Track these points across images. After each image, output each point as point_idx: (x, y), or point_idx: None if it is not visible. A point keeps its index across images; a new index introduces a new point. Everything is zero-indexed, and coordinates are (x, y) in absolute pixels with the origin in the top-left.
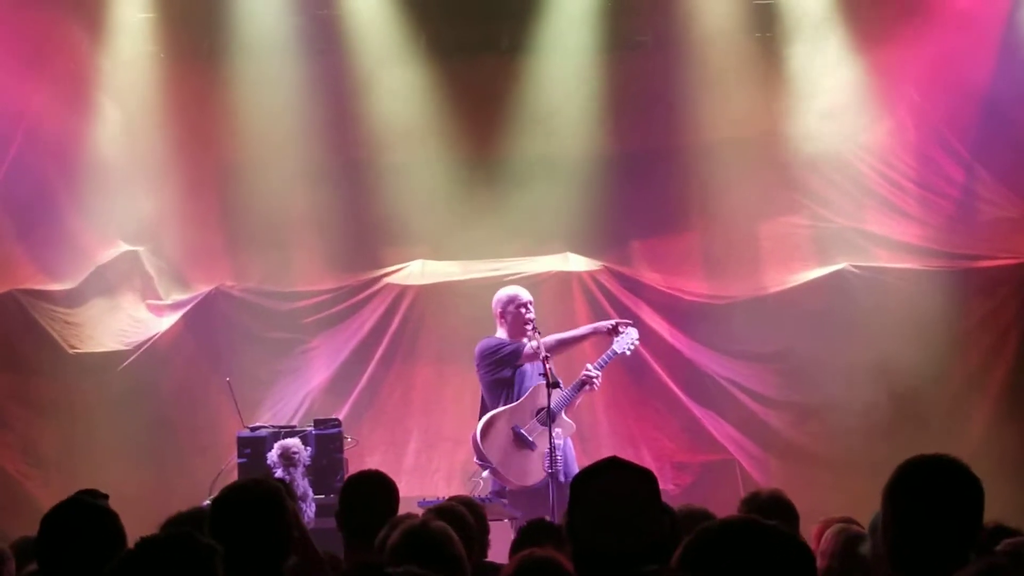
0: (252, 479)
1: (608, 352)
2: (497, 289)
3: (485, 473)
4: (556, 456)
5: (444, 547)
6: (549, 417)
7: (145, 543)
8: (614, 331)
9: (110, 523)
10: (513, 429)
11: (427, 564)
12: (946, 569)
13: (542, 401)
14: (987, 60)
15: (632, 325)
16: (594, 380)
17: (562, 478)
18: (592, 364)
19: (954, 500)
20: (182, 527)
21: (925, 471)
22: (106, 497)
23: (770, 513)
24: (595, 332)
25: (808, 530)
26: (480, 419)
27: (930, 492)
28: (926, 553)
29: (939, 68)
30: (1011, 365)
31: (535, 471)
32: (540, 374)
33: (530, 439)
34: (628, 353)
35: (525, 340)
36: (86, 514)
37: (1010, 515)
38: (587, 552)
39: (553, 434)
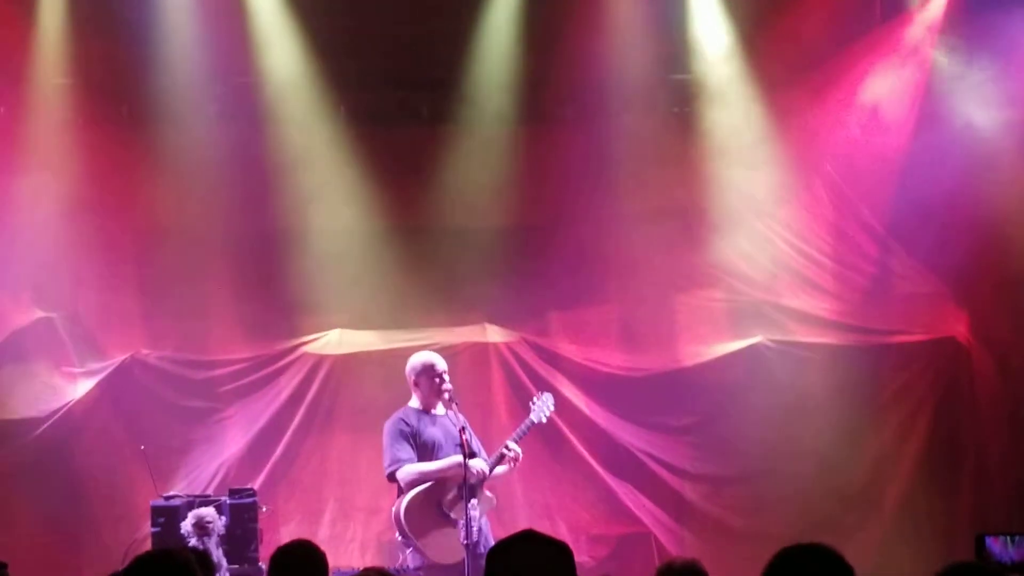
0: (162, 549)
1: (524, 423)
2: None
3: (409, 550)
4: (472, 528)
5: None
6: (467, 490)
7: None
8: (468, 451)
9: None
10: (435, 506)
11: None
12: None
13: (459, 478)
14: (902, 135)
15: (546, 392)
16: (512, 457)
17: (481, 549)
18: (510, 440)
19: None
20: None
21: (799, 559)
22: (5, 566)
23: None
24: (458, 467)
25: None
26: (399, 494)
27: None
28: None
29: (854, 143)
30: (925, 439)
31: (458, 548)
32: (456, 445)
33: (451, 515)
34: (544, 421)
35: (403, 458)
36: None
37: None
38: None
39: (469, 505)
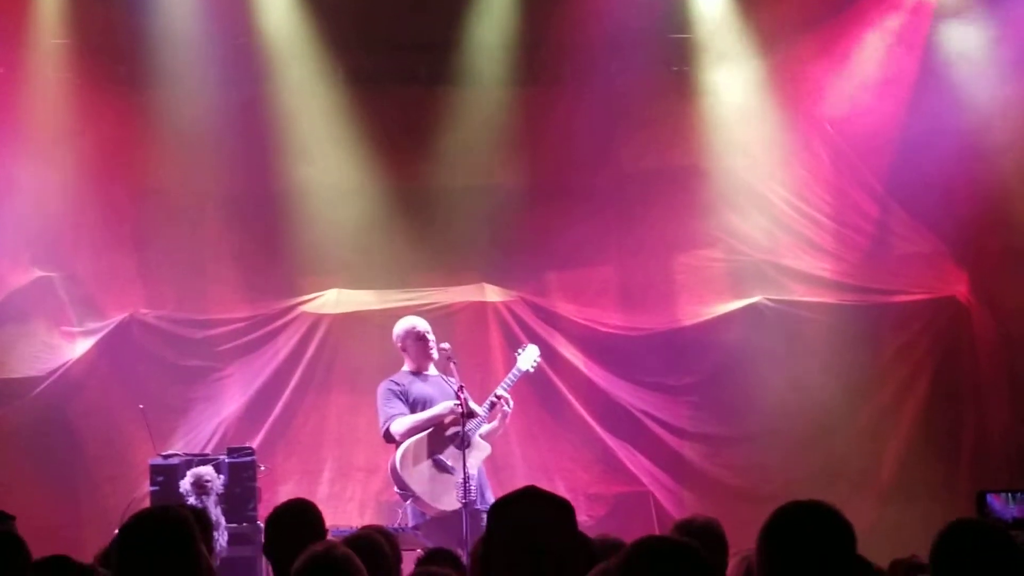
0: (160, 506)
1: (512, 372)
2: None
3: (408, 503)
4: (470, 486)
5: (346, 573)
6: (464, 444)
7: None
8: (467, 410)
9: (12, 548)
10: (431, 456)
11: None
12: None
13: (454, 426)
14: (902, 95)
15: (530, 344)
16: (503, 401)
17: (479, 504)
18: (499, 388)
19: (824, 544)
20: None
21: (797, 517)
22: (12, 518)
23: (700, 541)
24: (451, 413)
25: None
26: (396, 448)
27: (801, 537)
28: None
29: (855, 103)
30: (923, 399)
31: (454, 496)
32: (456, 403)
33: (448, 464)
34: (532, 370)
35: (394, 413)
36: None
37: (920, 548)
38: None
39: (467, 463)
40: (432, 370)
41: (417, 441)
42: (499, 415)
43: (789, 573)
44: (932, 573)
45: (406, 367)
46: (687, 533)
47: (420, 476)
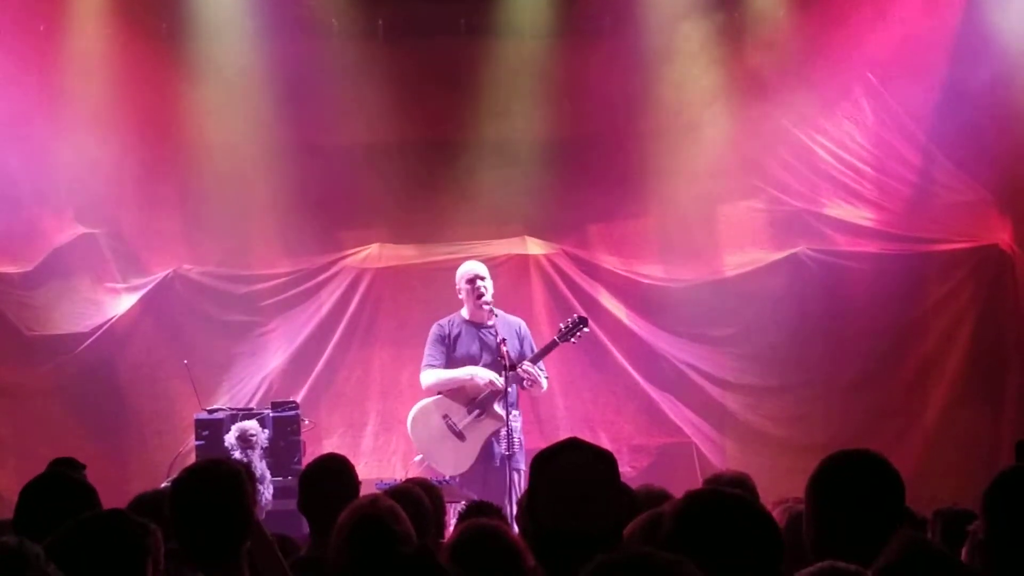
0: (214, 460)
1: (548, 342)
2: (454, 272)
3: (419, 456)
4: (514, 439)
5: (391, 526)
6: (506, 401)
7: (79, 522)
8: (509, 363)
9: (87, 496)
10: (444, 418)
11: (374, 543)
12: (863, 557)
13: (476, 390)
14: (946, 43)
15: (581, 316)
16: (529, 378)
17: (496, 463)
18: (526, 362)
19: (872, 493)
20: (143, 509)
21: (846, 465)
22: (83, 467)
23: None
24: (470, 378)
25: None
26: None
27: (850, 486)
28: (845, 543)
29: (898, 51)
30: (966, 348)
31: (459, 461)
32: (498, 357)
33: (459, 429)
34: (572, 342)
35: (429, 363)
36: (65, 489)
37: (964, 497)
38: (547, 532)
39: (478, 432)
40: (492, 319)
41: (436, 400)
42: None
43: (839, 521)
44: (985, 520)
45: (464, 312)
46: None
47: (427, 435)
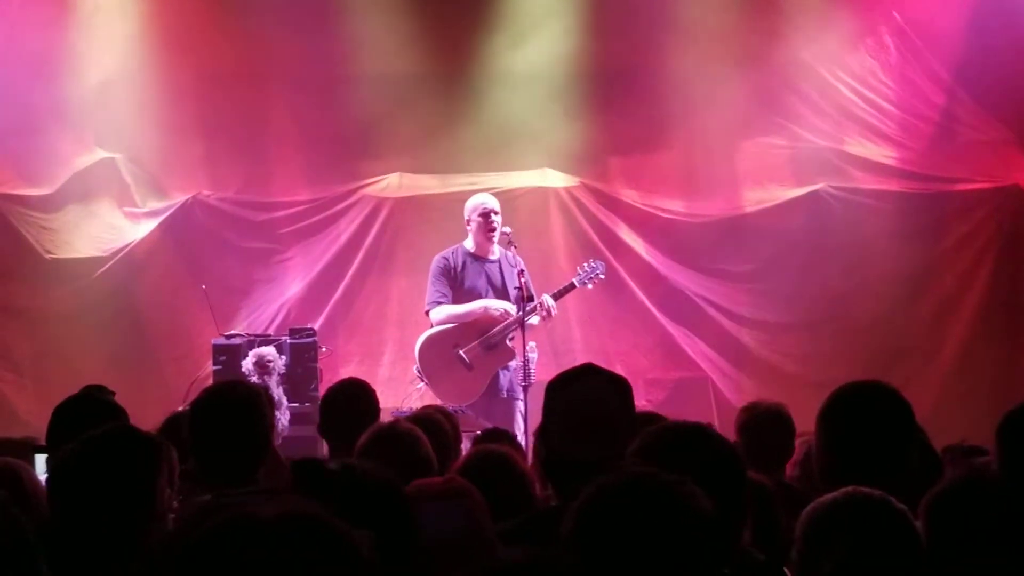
0: (233, 381)
1: (565, 285)
2: None
3: (420, 384)
4: (530, 370)
5: (411, 448)
6: (523, 332)
7: (92, 436)
8: (527, 294)
9: (117, 417)
10: (454, 347)
11: (393, 464)
12: (874, 484)
13: (491, 321)
14: None
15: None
16: (545, 311)
17: (504, 395)
18: (546, 295)
19: (881, 422)
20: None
21: (854, 396)
22: (113, 393)
23: (766, 424)
24: (484, 310)
25: None
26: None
27: (857, 414)
28: (855, 470)
29: None
30: (985, 288)
31: (467, 392)
32: (499, 294)
33: (467, 360)
34: (587, 287)
35: (436, 299)
36: (97, 409)
37: (980, 436)
38: (560, 457)
39: (490, 364)
40: (495, 253)
41: (448, 329)
42: (541, 316)
43: (846, 450)
44: (998, 455)
45: (468, 244)
46: (753, 417)
47: (436, 363)
